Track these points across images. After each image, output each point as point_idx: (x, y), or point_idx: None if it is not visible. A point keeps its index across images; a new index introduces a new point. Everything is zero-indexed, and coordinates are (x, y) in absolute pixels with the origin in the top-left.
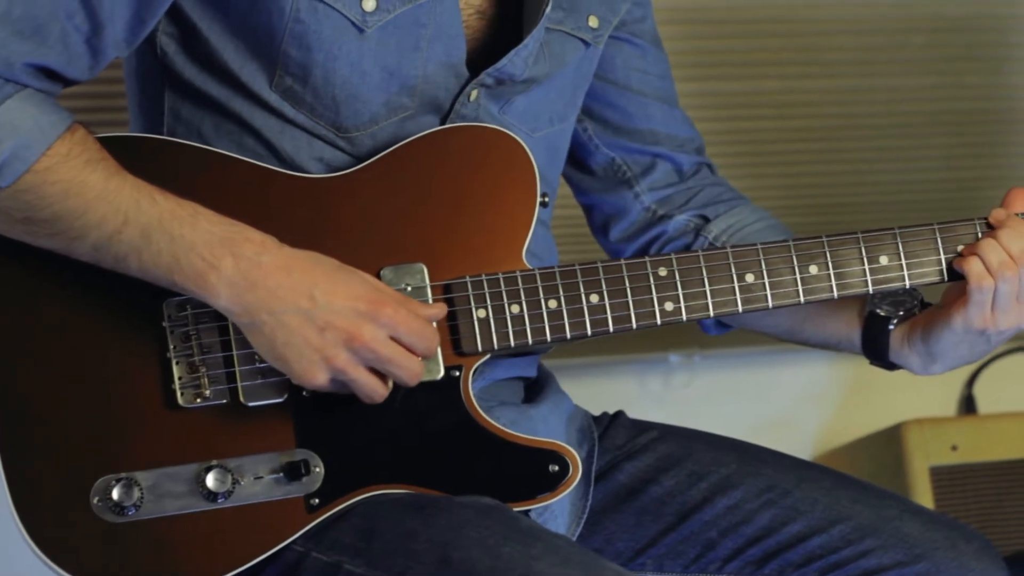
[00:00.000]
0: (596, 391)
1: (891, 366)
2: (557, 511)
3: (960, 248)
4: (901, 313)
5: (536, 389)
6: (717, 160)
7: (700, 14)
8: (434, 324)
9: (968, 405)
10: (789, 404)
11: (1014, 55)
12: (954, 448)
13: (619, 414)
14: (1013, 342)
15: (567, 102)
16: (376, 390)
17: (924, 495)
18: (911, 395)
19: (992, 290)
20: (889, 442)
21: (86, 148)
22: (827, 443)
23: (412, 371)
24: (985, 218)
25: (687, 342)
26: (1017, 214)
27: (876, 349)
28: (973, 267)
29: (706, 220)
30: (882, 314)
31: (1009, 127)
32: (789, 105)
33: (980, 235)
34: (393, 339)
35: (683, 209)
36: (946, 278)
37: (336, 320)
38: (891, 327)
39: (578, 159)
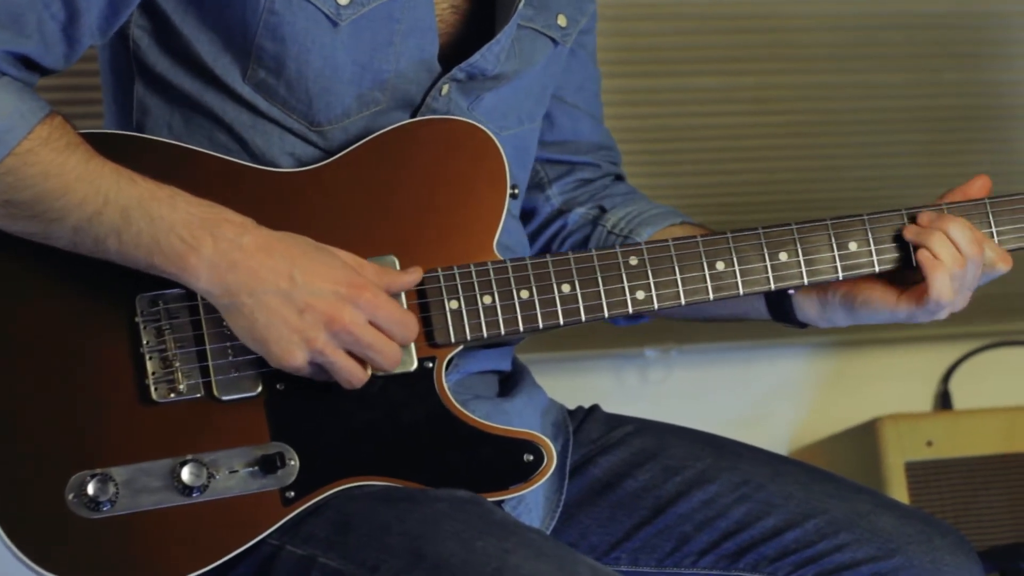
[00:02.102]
0: (572, 385)
1: (800, 324)
2: (532, 504)
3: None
4: None
5: (511, 383)
6: (692, 155)
7: (676, 10)
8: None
9: (943, 401)
10: (765, 399)
11: (989, 51)
12: (929, 444)
13: (594, 408)
14: (988, 338)
15: (536, 101)
16: (355, 374)
17: (899, 490)
18: (887, 390)
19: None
20: (865, 437)
21: (65, 133)
22: (803, 438)
23: (392, 357)
24: (914, 209)
25: (663, 336)
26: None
27: (782, 312)
28: (938, 281)
29: (603, 210)
30: None
31: (984, 123)
32: (765, 101)
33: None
34: (373, 324)
35: (583, 204)
36: (913, 263)
37: (316, 302)
38: (791, 292)
39: None
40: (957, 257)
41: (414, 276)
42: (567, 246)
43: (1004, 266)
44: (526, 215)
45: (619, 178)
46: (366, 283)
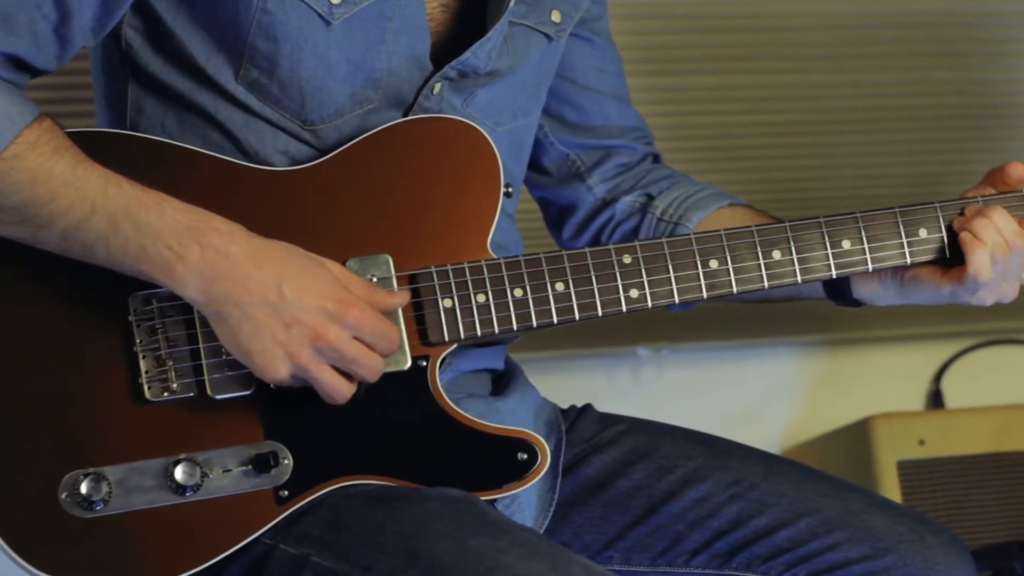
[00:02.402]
0: (565, 384)
1: (854, 303)
2: (525, 503)
3: (923, 232)
4: None
5: (504, 382)
6: (687, 154)
7: (670, 9)
8: (400, 315)
9: (936, 399)
10: (758, 398)
11: (983, 50)
12: (921, 442)
13: (587, 407)
14: (980, 337)
15: (530, 97)
16: (339, 390)
17: (892, 489)
18: (879, 389)
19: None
20: (857, 436)
21: (53, 136)
22: (795, 437)
23: (374, 368)
24: (942, 201)
25: (656, 336)
26: (978, 199)
27: (839, 291)
28: (977, 257)
29: (651, 197)
30: None
31: (976, 122)
32: (758, 100)
33: (941, 219)
34: (357, 339)
35: (629, 192)
36: (947, 255)
37: (303, 317)
38: None
39: (531, 156)
40: (999, 241)
41: (402, 298)
42: (617, 236)
43: None
44: (567, 209)
45: (656, 158)
46: (354, 300)
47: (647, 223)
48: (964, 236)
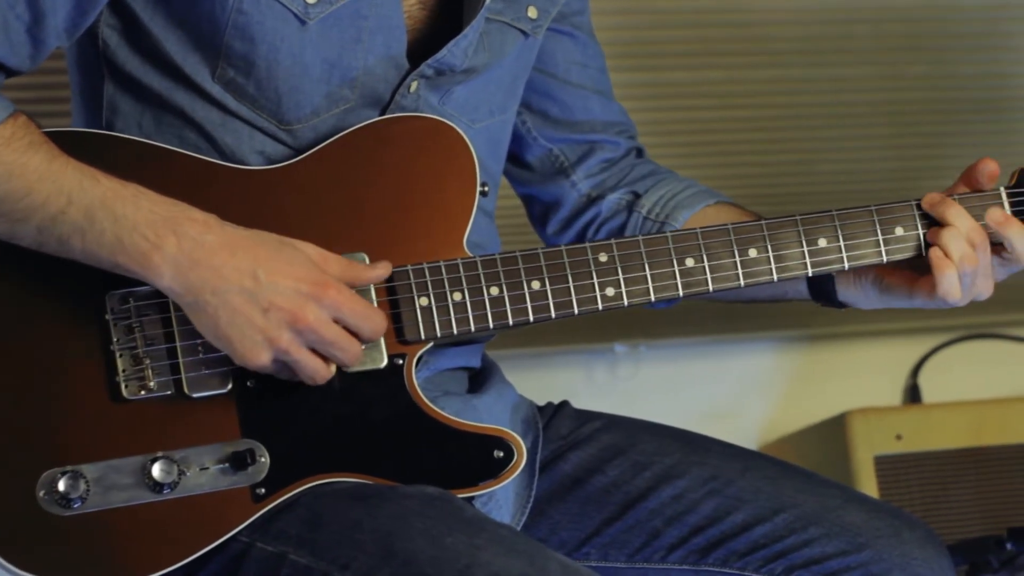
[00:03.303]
0: (542, 382)
1: (839, 305)
2: (502, 501)
3: (899, 230)
4: None
5: (480, 379)
6: (663, 150)
7: (645, 4)
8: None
9: (913, 394)
10: (735, 394)
11: (956, 45)
12: (899, 437)
13: (564, 404)
14: (957, 332)
15: (507, 93)
16: (318, 371)
17: (869, 484)
18: (856, 385)
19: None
20: (834, 431)
21: (28, 132)
22: (772, 433)
23: (352, 353)
24: (919, 199)
25: (633, 332)
26: (954, 196)
27: (823, 292)
28: (945, 280)
29: (637, 195)
30: None
31: (952, 117)
32: (733, 95)
33: (917, 217)
34: (337, 321)
35: (615, 189)
36: (924, 253)
37: (280, 301)
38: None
39: (515, 153)
40: (967, 252)
41: (382, 271)
42: (603, 234)
43: None
44: (551, 206)
45: (640, 152)
46: (330, 280)
47: (633, 221)
48: (933, 255)
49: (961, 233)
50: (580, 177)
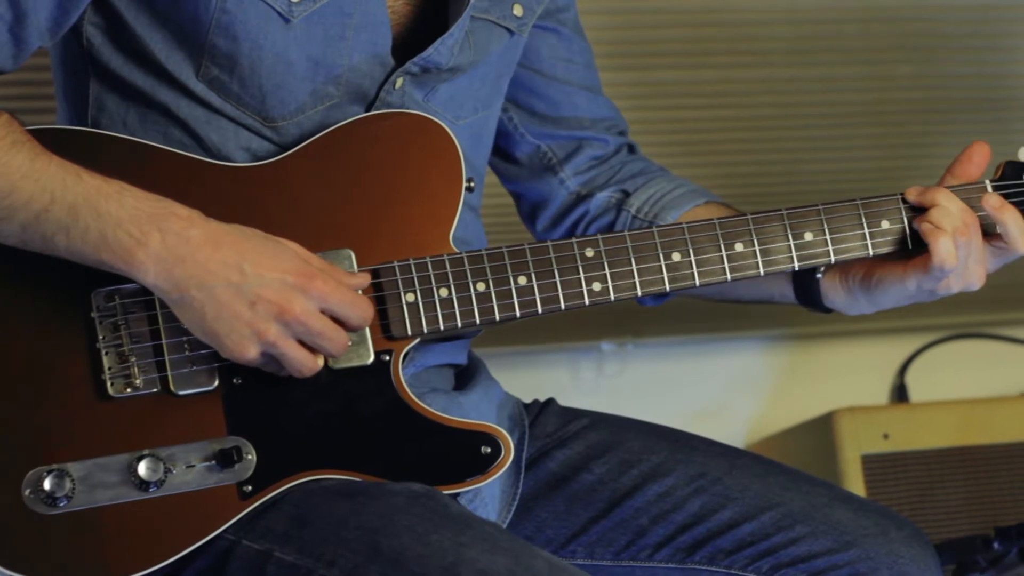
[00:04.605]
0: (529, 380)
1: (826, 310)
2: (488, 498)
3: (885, 224)
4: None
5: (467, 377)
6: (652, 149)
7: (635, 3)
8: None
9: (900, 393)
10: (722, 392)
11: (946, 45)
12: (886, 436)
13: (550, 401)
14: (944, 331)
15: (491, 90)
16: (306, 363)
17: (856, 483)
18: (843, 383)
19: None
20: (821, 430)
21: (11, 131)
22: (759, 431)
23: (339, 343)
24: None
25: (620, 330)
26: (950, 187)
27: (809, 297)
28: (941, 246)
29: (626, 194)
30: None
31: (941, 116)
32: (723, 95)
33: (903, 210)
34: (324, 312)
35: (604, 187)
36: (909, 245)
37: (266, 293)
38: (819, 275)
39: (503, 149)
40: (959, 224)
41: (362, 279)
42: (592, 231)
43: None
44: (540, 203)
45: (632, 148)
46: (316, 271)
47: (622, 220)
48: (924, 227)
49: (951, 211)
50: (568, 174)
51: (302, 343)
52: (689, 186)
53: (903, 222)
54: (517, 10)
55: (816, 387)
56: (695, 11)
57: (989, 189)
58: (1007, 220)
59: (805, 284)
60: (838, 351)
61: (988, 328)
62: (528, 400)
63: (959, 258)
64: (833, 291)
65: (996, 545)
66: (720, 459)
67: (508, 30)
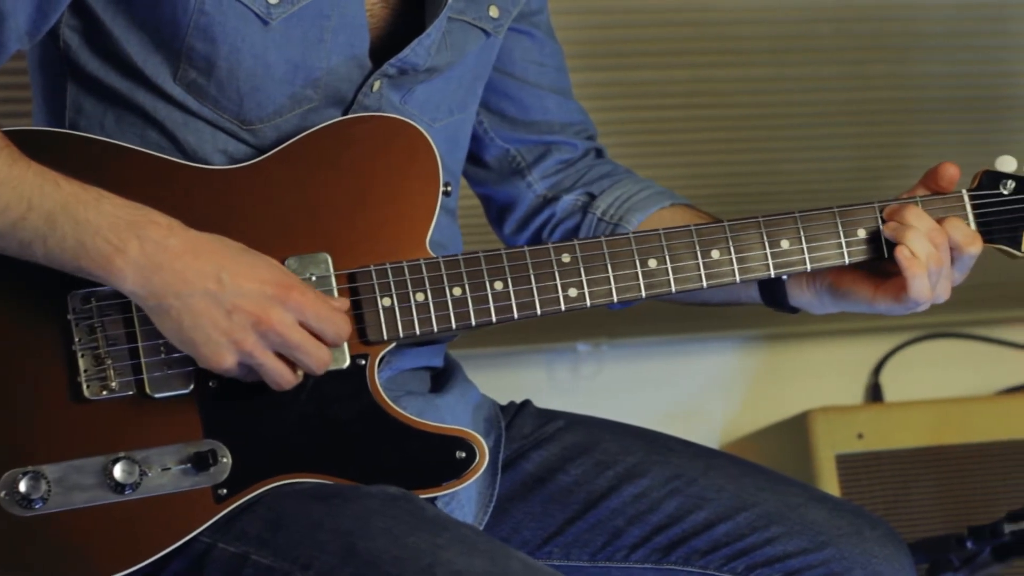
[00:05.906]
0: (505, 381)
1: (792, 310)
2: (464, 500)
3: (861, 233)
4: None
5: (443, 379)
6: (627, 149)
7: (610, 3)
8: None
9: (874, 393)
10: (697, 393)
11: (921, 44)
12: (860, 436)
13: (526, 403)
14: (918, 331)
15: (467, 92)
16: (284, 376)
17: (830, 483)
18: (817, 383)
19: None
20: (796, 430)
21: None
22: (734, 431)
23: (320, 359)
24: (881, 201)
25: (595, 331)
26: (917, 198)
27: (775, 298)
28: (916, 283)
29: (592, 197)
30: None
31: (916, 116)
32: (697, 94)
33: (881, 219)
34: (302, 325)
35: (570, 190)
36: (885, 255)
37: (244, 303)
38: (784, 277)
39: (473, 152)
40: (931, 251)
41: (340, 305)
42: (558, 235)
43: (974, 248)
44: (507, 206)
45: (599, 153)
46: (294, 283)
47: (587, 223)
48: (901, 255)
49: (922, 233)
50: (536, 178)
51: (281, 356)
52: (655, 188)
53: (879, 231)
54: (493, 11)
55: (791, 387)
56: (670, 11)
57: (966, 199)
58: (950, 230)
59: (771, 285)
60: (812, 351)
61: (962, 328)
62: (504, 401)
63: (931, 288)
64: (799, 291)
65: (969, 544)
66: (696, 460)
67: (484, 31)
